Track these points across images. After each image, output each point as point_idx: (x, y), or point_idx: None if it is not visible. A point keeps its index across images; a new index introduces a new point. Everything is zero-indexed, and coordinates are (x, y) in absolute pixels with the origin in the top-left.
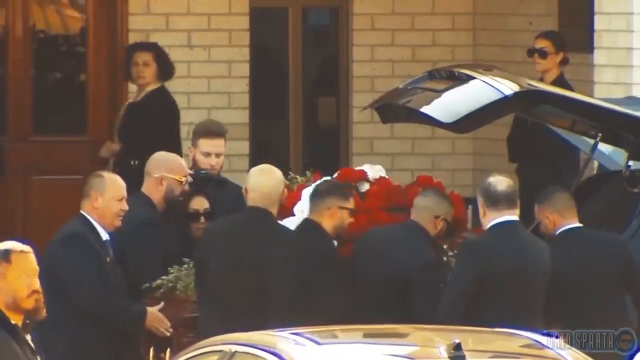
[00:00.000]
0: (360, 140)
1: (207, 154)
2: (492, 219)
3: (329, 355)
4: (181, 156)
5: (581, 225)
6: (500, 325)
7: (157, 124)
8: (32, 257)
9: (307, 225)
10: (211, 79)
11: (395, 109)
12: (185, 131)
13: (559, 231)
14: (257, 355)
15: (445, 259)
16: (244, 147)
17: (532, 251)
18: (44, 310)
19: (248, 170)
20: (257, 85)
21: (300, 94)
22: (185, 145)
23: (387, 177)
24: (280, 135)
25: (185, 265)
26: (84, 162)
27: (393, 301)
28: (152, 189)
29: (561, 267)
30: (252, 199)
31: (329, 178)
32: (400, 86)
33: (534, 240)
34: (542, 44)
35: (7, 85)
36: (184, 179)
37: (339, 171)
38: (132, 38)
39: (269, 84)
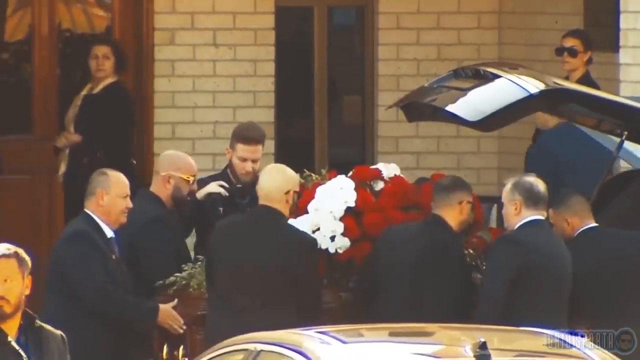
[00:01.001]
0: (386, 139)
1: (244, 160)
2: (525, 217)
3: (355, 354)
4: (131, 153)
5: (597, 224)
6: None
7: (116, 116)
8: (6, 262)
9: (433, 219)
10: (236, 78)
11: (420, 108)
12: (210, 130)
13: (578, 232)
14: (283, 354)
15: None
16: (270, 146)
17: (563, 249)
18: (5, 318)
19: None
20: (282, 84)
21: (325, 92)
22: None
23: (401, 175)
24: (305, 134)
25: (199, 263)
26: None
27: (415, 296)
28: (160, 187)
29: (584, 266)
30: (260, 197)
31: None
32: (426, 85)
33: (560, 239)
34: (572, 42)
35: (32, 84)
36: (191, 178)
37: (353, 169)
38: (158, 37)
39: (294, 83)
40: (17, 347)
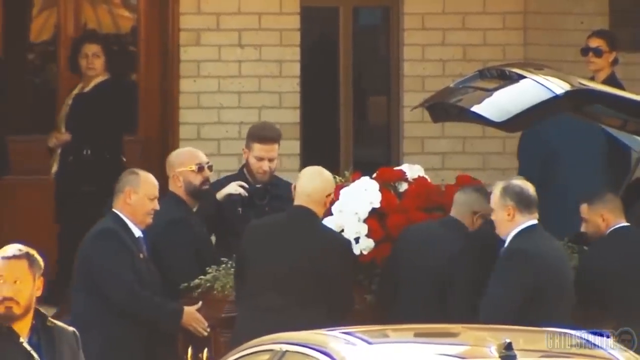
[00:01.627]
0: (411, 140)
1: (261, 159)
2: (520, 222)
3: (380, 354)
4: (121, 150)
5: (629, 224)
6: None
7: (107, 114)
8: (17, 264)
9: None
10: (262, 79)
11: (446, 108)
12: (236, 131)
13: (610, 230)
14: (308, 355)
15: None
16: (295, 146)
17: (564, 254)
18: (14, 319)
19: (299, 170)
20: (307, 84)
21: (350, 93)
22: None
23: (426, 176)
24: (330, 135)
25: (223, 265)
26: (136, 161)
27: (432, 298)
28: (175, 188)
29: (613, 265)
30: (300, 198)
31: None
32: (451, 85)
33: (557, 242)
34: (597, 42)
35: (58, 84)
36: (195, 167)
37: (377, 171)
38: (183, 37)
39: (319, 84)
40: (28, 348)
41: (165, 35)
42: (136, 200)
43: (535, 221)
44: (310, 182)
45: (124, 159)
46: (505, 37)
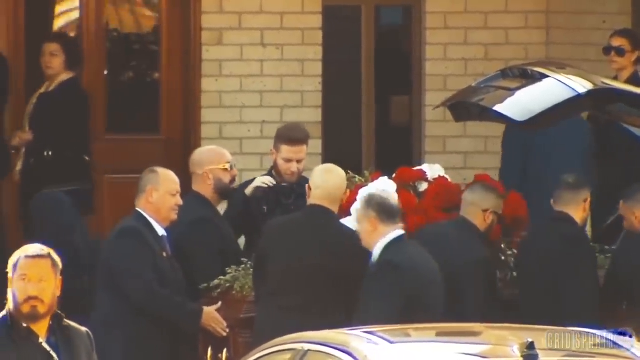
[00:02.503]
0: (433, 139)
1: (289, 160)
2: (385, 233)
3: (402, 354)
4: (88, 150)
5: None
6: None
7: (68, 114)
8: (41, 263)
9: (560, 216)
10: (284, 78)
11: (468, 108)
12: (258, 130)
13: None
14: (330, 354)
15: (503, 257)
16: (317, 145)
17: (433, 262)
18: (39, 318)
19: None
20: (329, 84)
21: (372, 92)
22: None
23: (446, 176)
24: (352, 134)
25: (243, 265)
26: (158, 161)
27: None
28: (203, 186)
29: None
30: (315, 196)
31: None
32: (473, 84)
33: (423, 251)
34: (619, 42)
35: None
36: (227, 165)
37: (397, 171)
38: (205, 37)
39: (341, 83)
40: (48, 348)
41: (188, 35)
42: (158, 197)
43: (401, 232)
44: (324, 180)
45: (87, 159)
46: (528, 36)
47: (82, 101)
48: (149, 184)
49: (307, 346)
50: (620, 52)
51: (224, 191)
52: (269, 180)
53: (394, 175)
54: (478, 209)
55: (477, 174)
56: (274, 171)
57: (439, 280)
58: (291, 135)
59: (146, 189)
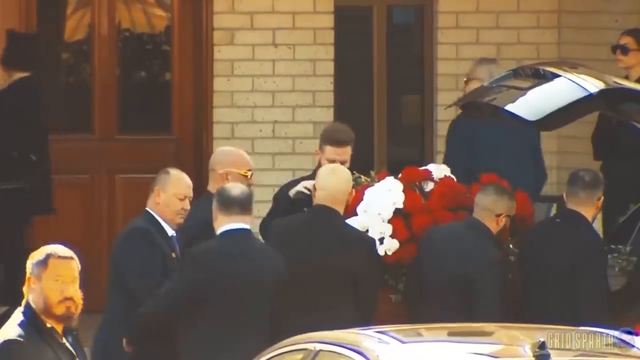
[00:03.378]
0: (445, 139)
1: (333, 161)
2: (222, 225)
3: (413, 353)
4: (45, 149)
5: None
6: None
7: (15, 113)
8: (72, 264)
9: (571, 215)
10: (296, 78)
11: (480, 107)
12: (269, 130)
13: None
14: (342, 354)
15: (511, 258)
16: None
17: (261, 259)
18: (76, 319)
19: None
20: (341, 83)
21: (384, 92)
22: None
23: (452, 176)
24: (364, 134)
25: None
26: (169, 161)
27: (457, 300)
28: (219, 185)
29: None
30: (320, 197)
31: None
32: (485, 84)
33: (265, 248)
34: (625, 40)
35: (92, 83)
36: (249, 173)
37: (403, 171)
38: (217, 36)
39: (353, 83)
40: (70, 348)
41: (199, 35)
42: (164, 199)
43: (240, 224)
44: (329, 181)
45: (33, 157)
46: (539, 36)
47: (31, 100)
48: (157, 184)
49: (318, 346)
50: (624, 50)
51: None
52: (311, 185)
53: (399, 175)
54: (491, 214)
55: (483, 174)
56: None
57: (247, 278)
58: (336, 136)
59: (155, 188)
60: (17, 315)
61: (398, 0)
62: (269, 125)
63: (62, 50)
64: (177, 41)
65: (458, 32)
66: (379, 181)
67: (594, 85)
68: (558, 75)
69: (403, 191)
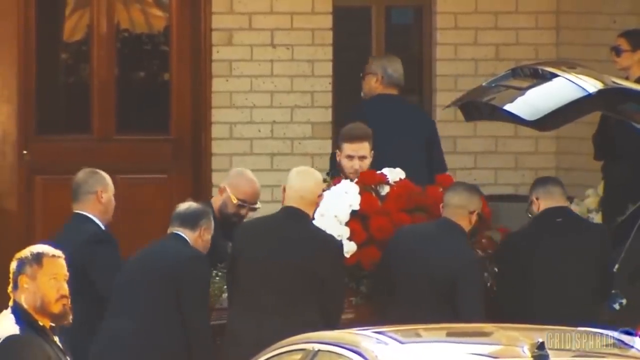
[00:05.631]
0: (443, 139)
1: (351, 157)
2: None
3: (412, 354)
4: None
5: None
6: None
7: None
8: (63, 262)
9: (561, 211)
10: (294, 78)
11: (478, 107)
12: (268, 130)
13: None
14: (340, 354)
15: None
16: (327, 145)
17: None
18: (71, 316)
19: None
20: (340, 84)
21: None
22: (262, 144)
23: (407, 178)
24: None
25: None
26: (168, 161)
27: (436, 300)
28: (217, 196)
29: None
30: (289, 198)
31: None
32: (484, 84)
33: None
34: (619, 41)
35: (91, 84)
36: (236, 201)
37: (359, 175)
38: (216, 37)
39: (352, 83)
40: (61, 346)
41: (198, 35)
42: (107, 199)
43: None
44: (300, 183)
45: None
46: (538, 37)
47: None
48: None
49: (317, 346)
50: (617, 51)
51: (224, 216)
52: None
53: (355, 179)
54: (465, 211)
55: (438, 175)
56: (341, 173)
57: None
58: (351, 132)
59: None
60: (8, 316)
61: (397, 1)
62: (268, 125)
63: (61, 51)
64: (175, 41)
65: (457, 33)
66: (335, 185)
67: (592, 85)
68: (557, 75)
69: (359, 193)
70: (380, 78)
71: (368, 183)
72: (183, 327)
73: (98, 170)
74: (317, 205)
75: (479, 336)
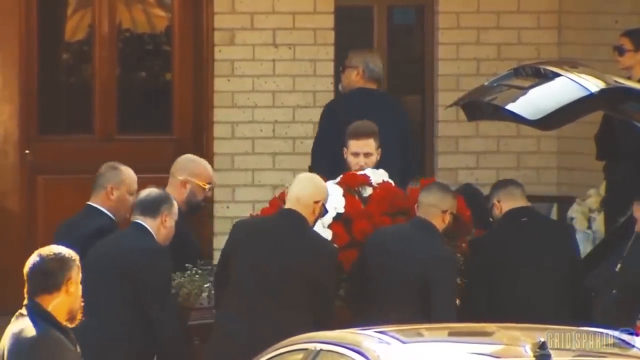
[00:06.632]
0: (445, 139)
1: (356, 154)
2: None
3: (414, 353)
4: None
5: None
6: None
7: None
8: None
9: (532, 210)
10: (296, 78)
11: (480, 107)
12: (270, 130)
13: None
14: (342, 354)
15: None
16: None
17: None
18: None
19: None
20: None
21: None
22: (264, 143)
23: (390, 181)
24: None
25: (188, 272)
26: (170, 161)
27: (413, 299)
28: (176, 193)
29: None
30: (288, 202)
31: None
32: (486, 83)
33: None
34: (621, 41)
35: (93, 84)
36: (207, 186)
37: (341, 176)
38: (217, 37)
39: None
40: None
41: (200, 35)
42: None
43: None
44: (299, 186)
45: None
46: (540, 37)
47: None
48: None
49: (319, 346)
50: (620, 51)
51: (194, 206)
52: None
53: (337, 180)
54: (438, 210)
55: (422, 179)
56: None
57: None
58: (356, 129)
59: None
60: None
61: (398, 1)
62: (269, 125)
63: (63, 51)
64: (177, 41)
65: (458, 33)
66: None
67: (595, 85)
68: (559, 75)
69: (343, 196)
70: (361, 72)
71: (351, 185)
72: (147, 324)
73: (119, 166)
74: (317, 215)
75: (480, 336)
